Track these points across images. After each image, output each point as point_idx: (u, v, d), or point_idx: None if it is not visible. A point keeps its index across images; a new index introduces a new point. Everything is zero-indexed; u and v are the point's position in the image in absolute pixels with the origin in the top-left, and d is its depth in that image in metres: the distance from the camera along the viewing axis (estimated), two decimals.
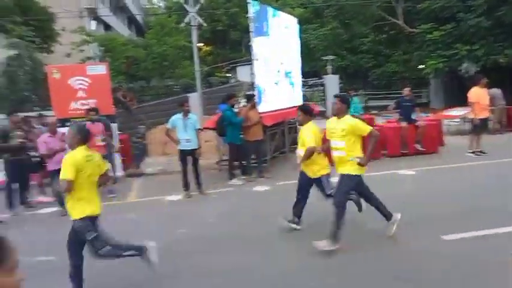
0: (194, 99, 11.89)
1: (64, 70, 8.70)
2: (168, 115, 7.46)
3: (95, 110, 7.33)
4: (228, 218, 5.83)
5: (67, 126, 7.60)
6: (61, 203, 6.48)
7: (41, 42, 12.28)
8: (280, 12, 9.95)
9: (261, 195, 6.99)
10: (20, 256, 1.18)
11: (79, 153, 3.52)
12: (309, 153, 4.51)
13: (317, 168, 4.67)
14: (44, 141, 6.46)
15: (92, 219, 3.56)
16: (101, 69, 8.75)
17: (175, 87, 14.02)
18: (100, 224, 3.75)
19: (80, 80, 8.53)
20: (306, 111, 4.80)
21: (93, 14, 19.86)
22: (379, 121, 11.68)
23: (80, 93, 8.53)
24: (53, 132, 6.56)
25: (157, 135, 10.57)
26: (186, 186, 7.07)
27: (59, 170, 6.35)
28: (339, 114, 4.28)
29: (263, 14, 8.74)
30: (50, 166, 6.44)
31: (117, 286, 4.07)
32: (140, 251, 3.73)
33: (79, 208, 3.50)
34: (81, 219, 3.49)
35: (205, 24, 12.81)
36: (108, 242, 3.60)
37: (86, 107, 7.97)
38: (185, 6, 11.65)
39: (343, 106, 4.27)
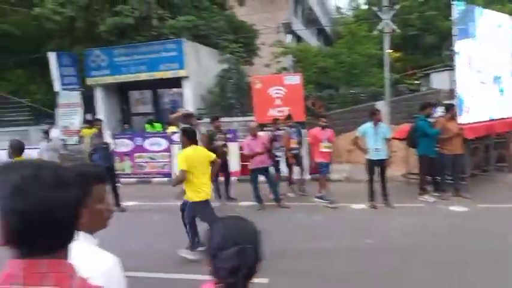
0: (381, 107, 11.55)
1: (265, 80, 9.77)
2: (354, 123, 7.51)
3: (289, 117, 7.91)
4: (418, 235, 5.46)
5: (265, 130, 8.54)
6: (258, 198, 7.32)
7: (245, 56, 14.11)
8: (488, 11, 8.73)
9: (458, 216, 6.28)
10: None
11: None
12: (177, 179, 4.87)
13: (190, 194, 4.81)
14: (247, 144, 7.39)
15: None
16: (295, 79, 9.45)
17: (361, 95, 13.95)
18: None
19: (278, 89, 9.41)
20: (188, 135, 4.85)
21: (288, 29, 21.62)
22: None
23: (277, 101, 9.41)
24: (254, 136, 7.41)
25: (342, 143, 10.72)
26: (372, 196, 6.95)
27: (260, 169, 7.20)
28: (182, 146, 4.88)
29: (469, 14, 7.83)
30: (252, 165, 7.32)
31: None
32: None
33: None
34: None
35: (399, 31, 12.33)
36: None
37: (280, 114, 8.75)
38: (378, 13, 11.49)
39: (184, 139, 4.81)
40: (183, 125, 7.24)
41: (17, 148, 4.79)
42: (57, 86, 12.17)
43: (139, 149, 10.72)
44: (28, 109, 13.81)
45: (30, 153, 11.22)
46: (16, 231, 0.87)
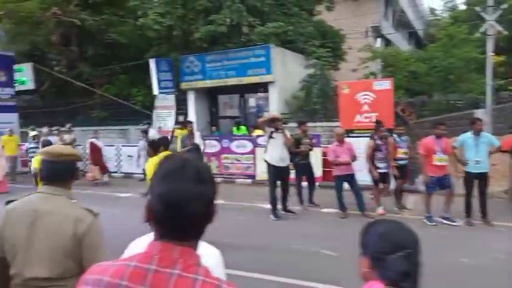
0: (481, 116, 10.59)
1: (353, 86, 9.58)
2: (448, 132, 6.95)
3: (379, 123, 7.64)
4: None
5: (351, 136, 8.37)
6: (341, 205, 7.19)
7: (332, 61, 13.96)
8: None
9: None
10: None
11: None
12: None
13: None
14: (332, 150, 7.31)
15: None
16: (386, 84, 9.11)
17: (458, 102, 12.91)
18: None
19: (366, 94, 9.15)
20: (153, 147, 5.27)
21: (377, 32, 20.88)
22: None
23: (365, 107, 9.16)
24: (341, 142, 7.30)
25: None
26: (469, 212, 6.41)
27: (345, 176, 7.08)
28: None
29: None
30: (336, 171, 7.23)
31: None
32: None
33: None
34: None
35: (505, 32, 11.21)
36: None
37: (367, 120, 8.49)
38: (482, 14, 10.58)
39: (150, 149, 5.24)
40: (269, 129, 7.46)
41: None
42: (155, 89, 13.24)
43: (226, 150, 11.20)
44: (129, 110, 15.22)
45: (130, 150, 12.42)
46: (156, 213, 1.00)
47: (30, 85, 16.66)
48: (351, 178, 7.20)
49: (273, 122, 7.35)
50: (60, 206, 2.01)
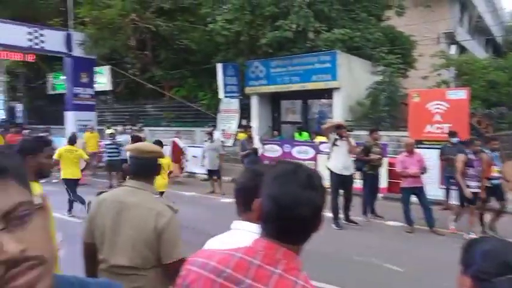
0: None
1: (424, 94, 9.13)
2: None
3: (453, 133, 7.21)
4: None
5: (421, 147, 7.97)
6: (408, 219, 6.87)
7: (401, 68, 13.44)
8: None
9: None
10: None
11: None
12: None
13: None
14: (401, 160, 7.01)
15: None
16: (461, 94, 8.58)
17: None
18: None
19: (438, 104, 8.68)
20: None
21: (451, 39, 19.73)
22: None
23: (436, 117, 8.68)
24: (410, 152, 6.98)
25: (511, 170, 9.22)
26: None
27: (413, 188, 6.76)
28: None
29: None
30: (404, 183, 6.92)
31: None
32: None
33: None
34: None
35: None
36: None
37: (439, 131, 8.03)
38: None
39: None
40: (333, 136, 7.35)
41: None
42: (221, 93, 13.64)
43: (287, 155, 11.20)
44: (195, 112, 15.83)
45: (195, 151, 12.88)
46: (266, 212, 1.04)
47: (107, 86, 17.99)
48: (419, 191, 6.85)
49: (337, 128, 7.24)
50: (145, 200, 2.14)
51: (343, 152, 7.10)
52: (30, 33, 12.49)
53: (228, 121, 14.75)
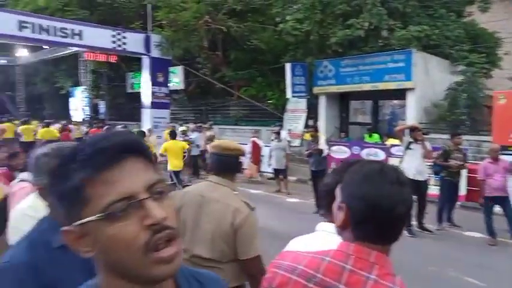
0: None
1: (511, 96, 8.36)
2: None
3: None
4: None
5: (506, 154, 7.31)
6: (490, 231, 6.34)
7: (485, 67, 12.44)
8: None
9: None
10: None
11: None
12: None
13: None
14: (484, 167, 6.48)
15: None
16: None
17: None
18: None
19: None
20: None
21: None
22: None
23: None
24: (495, 159, 6.44)
25: None
26: None
27: (496, 198, 6.24)
28: None
29: None
30: (486, 192, 6.40)
31: None
32: None
33: None
34: None
35: None
36: None
37: None
38: None
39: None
40: (406, 139, 7.01)
41: None
42: (288, 93, 13.65)
43: (356, 157, 10.90)
44: (262, 112, 16.03)
45: (263, 150, 13.01)
46: (356, 214, 1.01)
47: (180, 86, 18.88)
48: (503, 201, 6.29)
49: (412, 131, 6.92)
50: (224, 196, 2.22)
51: (417, 156, 6.75)
52: (114, 36, 13.52)
53: (295, 121, 14.72)
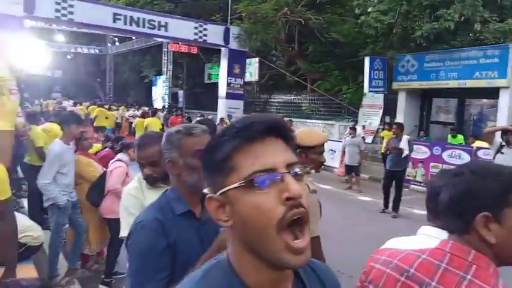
0: None
1: None
2: None
3: None
4: None
5: None
6: None
7: None
8: None
9: None
10: None
11: None
12: None
13: None
14: None
15: None
16: None
17: None
18: None
19: None
20: None
21: None
22: None
23: None
24: None
25: None
26: None
27: None
28: None
29: None
30: None
31: None
32: None
33: None
34: None
35: None
36: None
37: None
38: None
39: None
40: (498, 141, 6.44)
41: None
42: (366, 87, 13.20)
43: (437, 158, 10.26)
44: (335, 106, 15.72)
45: (333, 145, 12.81)
46: (444, 205, 1.02)
47: (254, 77, 19.20)
48: None
49: (504, 134, 6.40)
50: None
51: (508, 161, 6.16)
52: (196, 28, 14.10)
53: (370, 117, 14.22)
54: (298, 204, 0.70)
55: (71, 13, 11.62)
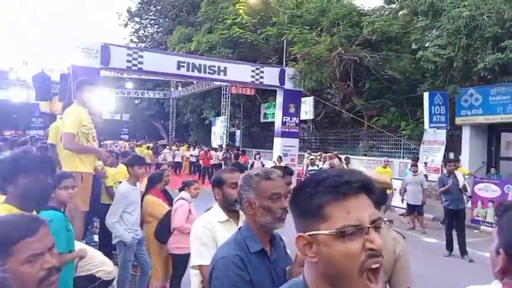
0: None
1: None
2: None
3: None
4: None
5: None
6: None
7: None
8: None
9: None
10: None
11: None
12: None
13: None
14: None
15: None
16: None
17: None
18: None
19: None
20: None
21: None
22: None
23: None
24: None
25: None
26: None
27: None
28: None
29: None
30: None
31: None
32: None
33: None
34: None
35: None
36: None
37: None
38: None
39: None
40: None
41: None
42: (426, 123, 12.77)
43: (508, 197, 9.50)
44: (394, 142, 15.28)
45: (394, 183, 12.33)
46: None
47: (309, 115, 19.36)
48: None
49: None
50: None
51: None
52: (253, 71, 14.69)
53: (432, 153, 13.61)
54: (378, 254, 0.83)
55: (141, 63, 12.73)
